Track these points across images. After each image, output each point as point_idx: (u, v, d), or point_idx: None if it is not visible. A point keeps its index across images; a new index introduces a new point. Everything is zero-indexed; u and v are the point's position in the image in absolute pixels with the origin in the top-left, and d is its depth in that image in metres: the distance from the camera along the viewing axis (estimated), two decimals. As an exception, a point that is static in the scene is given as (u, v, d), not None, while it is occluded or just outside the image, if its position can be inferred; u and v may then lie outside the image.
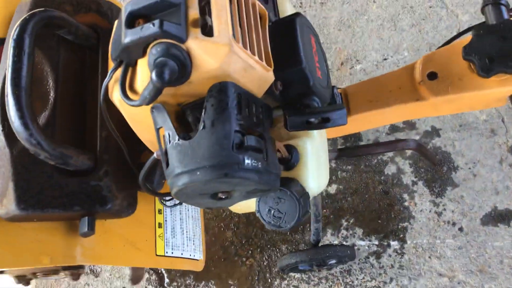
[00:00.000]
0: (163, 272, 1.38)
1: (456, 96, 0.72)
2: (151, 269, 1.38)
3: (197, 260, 0.88)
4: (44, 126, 0.65)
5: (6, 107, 0.58)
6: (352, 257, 1.19)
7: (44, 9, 0.63)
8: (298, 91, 0.62)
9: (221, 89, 0.53)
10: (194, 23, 0.52)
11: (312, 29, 0.67)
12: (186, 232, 0.87)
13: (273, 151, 0.58)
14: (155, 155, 0.59)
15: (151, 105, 0.56)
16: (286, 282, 1.31)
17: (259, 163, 0.53)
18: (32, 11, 0.62)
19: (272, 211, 0.65)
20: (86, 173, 0.64)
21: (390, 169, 1.37)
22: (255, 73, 0.56)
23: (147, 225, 0.78)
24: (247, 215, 1.39)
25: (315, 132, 0.70)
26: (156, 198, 0.82)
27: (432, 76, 0.74)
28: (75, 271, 0.84)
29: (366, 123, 0.84)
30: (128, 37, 0.52)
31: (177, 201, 0.85)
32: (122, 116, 0.63)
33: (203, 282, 1.35)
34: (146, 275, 1.38)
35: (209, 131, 0.52)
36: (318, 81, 0.63)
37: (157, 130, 0.56)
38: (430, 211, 1.31)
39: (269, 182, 0.55)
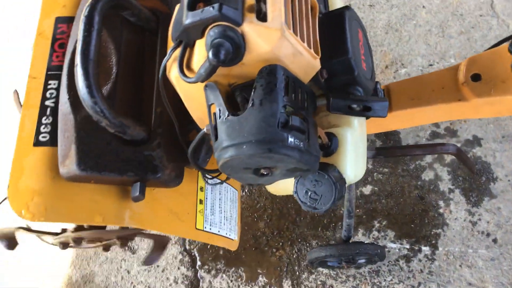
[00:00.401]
0: (196, 255, 1.43)
1: (498, 98, 0.73)
2: (185, 251, 1.44)
3: (232, 240, 0.93)
4: (106, 97, 0.71)
5: (75, 77, 0.64)
6: (382, 257, 1.20)
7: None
8: (343, 81, 0.65)
9: (271, 71, 0.57)
10: (250, 8, 0.56)
11: (360, 23, 0.70)
12: (224, 212, 0.91)
13: (315, 134, 0.62)
14: (205, 129, 0.64)
15: (205, 83, 0.61)
16: (313, 276, 1.33)
17: (301, 143, 0.57)
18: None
19: (309, 193, 0.69)
20: (140, 143, 0.70)
21: (428, 175, 1.37)
22: (303, 59, 0.59)
23: (190, 200, 0.83)
24: (281, 208, 1.43)
25: (356, 123, 0.73)
26: (199, 177, 0.87)
27: (476, 77, 0.75)
28: (124, 240, 0.90)
29: (406, 120, 0.86)
30: (189, 18, 0.57)
31: (218, 180, 0.90)
32: (176, 95, 0.68)
33: (233, 268, 1.39)
34: (179, 256, 1.44)
35: (257, 109, 0.56)
36: (363, 72, 0.66)
37: (209, 106, 0.61)
38: (465, 220, 1.30)
39: (309, 162, 0.58)
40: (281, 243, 1.39)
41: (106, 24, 0.72)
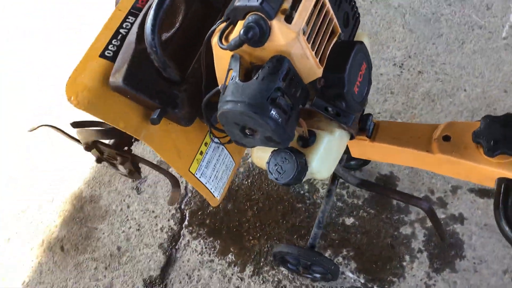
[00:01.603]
0: (187, 215, 1.62)
1: (457, 160, 0.87)
2: (179, 208, 1.63)
3: (214, 196, 1.11)
4: (163, 41, 0.92)
5: (147, 18, 0.86)
6: (335, 276, 1.33)
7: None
8: (334, 92, 0.82)
9: (279, 59, 0.76)
10: (283, 11, 0.75)
11: (367, 58, 0.87)
12: (216, 171, 1.10)
13: (295, 120, 0.79)
14: (219, 87, 0.84)
15: (232, 52, 0.80)
16: (273, 272, 1.48)
17: (280, 119, 0.75)
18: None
19: (277, 167, 0.86)
20: (173, 83, 0.90)
21: (406, 230, 1.49)
22: (308, 63, 0.78)
23: (193, 146, 1.02)
24: (271, 206, 1.59)
25: (336, 134, 0.91)
26: (207, 135, 1.06)
27: (447, 138, 0.90)
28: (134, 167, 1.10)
29: (383, 154, 1.01)
30: (239, 2, 0.77)
31: (222, 144, 1.09)
32: (213, 62, 0.88)
33: (211, 238, 1.57)
34: (173, 211, 1.63)
35: (258, 82, 0.75)
36: (352, 93, 0.83)
37: (228, 70, 0.81)
38: (421, 280, 1.41)
39: (281, 137, 0.76)
40: (258, 235, 1.56)
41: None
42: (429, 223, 1.48)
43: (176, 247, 1.58)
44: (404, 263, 1.44)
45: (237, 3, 0.77)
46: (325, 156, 0.89)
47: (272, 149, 0.91)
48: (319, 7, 0.78)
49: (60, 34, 2.80)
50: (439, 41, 1.85)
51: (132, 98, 0.91)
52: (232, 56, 0.81)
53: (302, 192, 1.61)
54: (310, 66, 0.79)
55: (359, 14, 0.95)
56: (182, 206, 1.64)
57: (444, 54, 1.81)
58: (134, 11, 0.98)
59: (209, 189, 1.09)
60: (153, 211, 1.65)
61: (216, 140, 1.05)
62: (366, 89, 0.89)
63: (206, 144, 1.07)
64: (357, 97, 0.86)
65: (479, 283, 1.37)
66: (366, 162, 1.55)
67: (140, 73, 0.89)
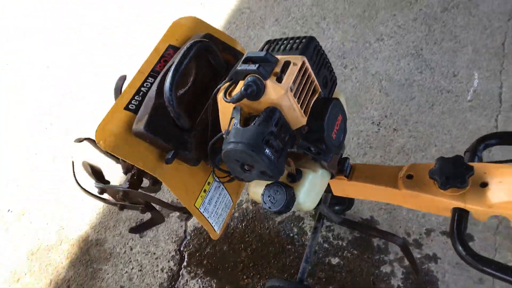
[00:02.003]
0: (185, 256, 1.76)
1: (417, 194, 1.06)
2: (179, 250, 1.77)
3: (215, 230, 1.27)
4: (177, 96, 1.13)
5: (166, 79, 1.07)
6: (322, 309, 1.47)
7: (208, 41, 1.15)
8: (315, 137, 1.03)
9: (272, 110, 0.96)
10: (275, 74, 0.97)
11: (342, 112, 1.08)
12: (217, 208, 1.27)
13: (284, 159, 0.99)
14: (223, 132, 1.04)
15: (234, 105, 1.01)
16: (266, 308, 1.61)
17: (273, 156, 0.94)
18: (202, 39, 1.13)
19: (270, 198, 1.04)
20: (185, 130, 1.10)
21: (386, 269, 1.64)
22: (294, 113, 0.99)
23: (198, 184, 1.20)
24: (263, 248, 1.74)
25: (319, 173, 1.10)
26: (211, 176, 1.25)
27: (409, 177, 1.10)
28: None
29: (359, 191, 1.20)
30: (241, 67, 0.99)
31: (222, 183, 1.27)
32: (217, 114, 1.09)
33: (208, 278, 1.70)
34: (173, 253, 1.77)
35: (255, 127, 0.95)
36: (330, 138, 1.03)
37: (231, 119, 1.01)
38: (401, 314, 1.54)
39: (274, 171, 0.95)
40: (252, 274, 1.69)
41: (197, 57, 1.17)
42: (406, 262, 1.64)
43: (176, 286, 1.70)
44: (385, 299, 1.58)
45: (239, 68, 0.99)
46: (310, 190, 1.08)
47: (265, 184, 1.09)
48: (302, 71, 1.00)
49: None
50: (412, 103, 2.11)
51: (151, 142, 1.10)
52: (234, 107, 1.01)
53: (291, 235, 1.77)
54: (296, 116, 1.00)
55: (336, 77, 1.18)
56: (181, 248, 1.79)
57: (416, 114, 2.06)
58: (153, 74, 1.20)
59: (211, 223, 1.26)
60: (154, 253, 1.79)
61: (217, 179, 1.24)
62: (342, 135, 1.09)
63: (209, 183, 1.25)
64: (335, 142, 1.06)
65: (453, 317, 1.51)
66: (349, 207, 1.73)
67: (158, 122, 1.09)
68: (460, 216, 1.03)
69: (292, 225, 1.80)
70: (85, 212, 1.94)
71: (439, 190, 1.05)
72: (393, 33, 2.41)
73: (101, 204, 1.94)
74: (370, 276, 1.64)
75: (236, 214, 1.85)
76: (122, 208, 1.39)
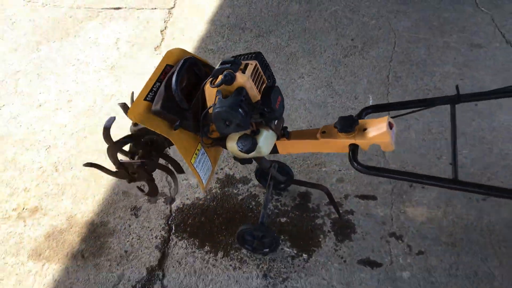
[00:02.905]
0: (173, 227, 2.33)
1: (328, 140, 1.79)
2: (167, 224, 2.35)
3: (203, 183, 1.90)
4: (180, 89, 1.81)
5: (172, 81, 1.75)
6: (277, 244, 2.11)
7: (195, 57, 1.86)
8: (266, 105, 1.73)
9: (241, 88, 1.66)
10: (241, 70, 1.69)
11: (281, 95, 1.80)
12: (203, 167, 1.91)
13: (249, 117, 1.67)
14: (211, 105, 1.71)
15: (217, 89, 1.70)
16: (237, 253, 2.21)
17: (244, 113, 1.63)
18: (190, 57, 1.84)
19: (241, 143, 1.72)
20: (185, 109, 1.76)
21: (319, 221, 2.32)
22: (253, 92, 1.69)
23: (192, 148, 1.84)
24: (230, 216, 2.36)
25: (270, 133, 1.80)
26: (199, 145, 1.90)
27: (323, 132, 1.83)
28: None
29: (295, 146, 1.91)
30: (219, 67, 1.70)
31: (207, 149, 1.92)
32: (204, 101, 1.77)
33: (192, 238, 2.28)
34: (163, 225, 2.34)
35: (232, 98, 1.64)
36: (274, 107, 1.74)
37: (216, 97, 1.70)
38: (331, 247, 2.21)
39: (245, 122, 1.63)
40: (224, 233, 2.30)
41: (187, 69, 1.86)
42: (333, 216, 2.33)
43: (168, 246, 2.26)
44: (320, 239, 2.24)
45: (218, 67, 1.69)
46: (265, 139, 1.77)
47: (237, 137, 1.77)
48: (256, 68, 1.73)
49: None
50: (328, 117, 2.90)
51: (164, 117, 1.76)
52: (217, 90, 1.71)
53: (251, 206, 2.41)
54: (254, 94, 1.71)
55: (274, 77, 1.92)
56: (169, 222, 2.37)
57: (334, 122, 2.84)
58: (158, 80, 1.87)
59: (201, 176, 1.90)
60: (148, 227, 2.35)
61: (204, 146, 1.90)
62: (282, 108, 1.81)
63: (198, 150, 1.90)
64: (278, 110, 1.78)
65: (366, 245, 2.20)
66: (290, 184, 2.42)
67: (169, 104, 1.75)
68: (353, 147, 1.76)
69: (251, 200, 2.45)
70: (88, 203, 2.47)
71: (340, 135, 1.78)
72: (310, 72, 3.27)
73: (101, 198, 2.49)
74: (308, 226, 2.30)
75: (208, 196, 2.48)
76: (130, 181, 1.99)
